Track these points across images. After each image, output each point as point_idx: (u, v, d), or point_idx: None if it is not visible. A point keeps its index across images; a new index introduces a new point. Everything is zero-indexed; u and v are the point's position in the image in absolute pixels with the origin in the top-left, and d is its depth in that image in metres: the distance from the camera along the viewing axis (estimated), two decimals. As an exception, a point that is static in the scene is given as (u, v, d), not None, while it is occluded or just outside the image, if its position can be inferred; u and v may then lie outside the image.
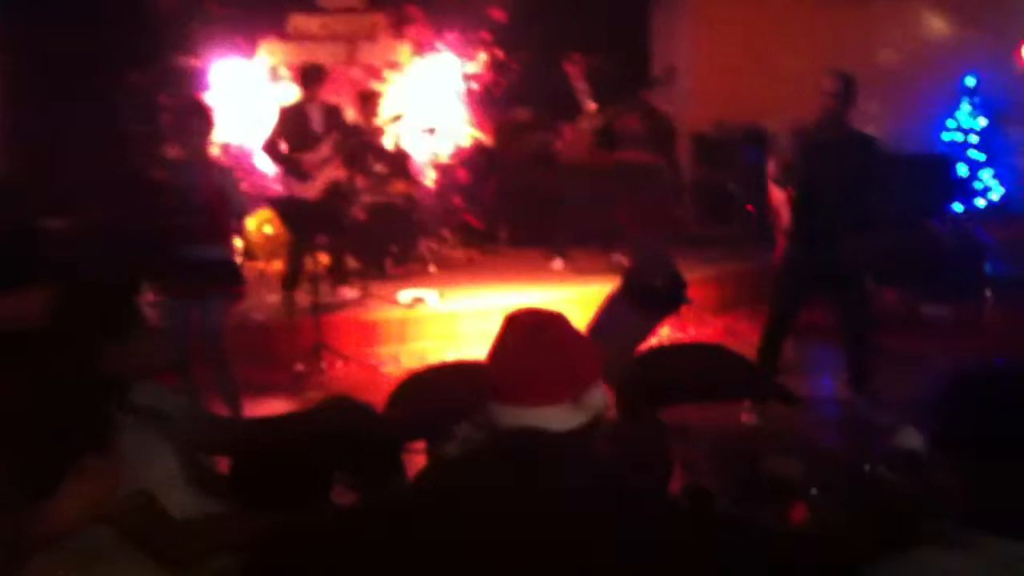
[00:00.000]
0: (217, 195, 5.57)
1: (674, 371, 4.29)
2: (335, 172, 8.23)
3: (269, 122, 8.40)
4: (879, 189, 5.80)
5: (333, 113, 8.37)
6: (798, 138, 5.86)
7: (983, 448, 1.81)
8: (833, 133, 5.74)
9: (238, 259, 7.29)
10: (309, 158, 8.07)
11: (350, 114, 8.98)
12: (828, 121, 5.75)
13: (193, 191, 5.47)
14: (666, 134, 9.36)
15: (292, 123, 8.15)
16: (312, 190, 8.05)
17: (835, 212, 5.68)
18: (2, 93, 9.30)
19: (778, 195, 5.97)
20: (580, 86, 9.08)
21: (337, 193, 8.18)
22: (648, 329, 5.73)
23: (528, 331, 2.11)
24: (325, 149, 8.07)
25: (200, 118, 5.78)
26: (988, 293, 8.31)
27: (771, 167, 6.01)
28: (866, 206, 5.71)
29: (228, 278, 5.68)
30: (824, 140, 5.74)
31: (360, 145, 8.59)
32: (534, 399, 2.03)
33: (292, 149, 8.09)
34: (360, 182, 8.73)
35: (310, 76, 8.25)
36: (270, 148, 8.18)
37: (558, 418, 2.03)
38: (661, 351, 4.86)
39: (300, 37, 10.37)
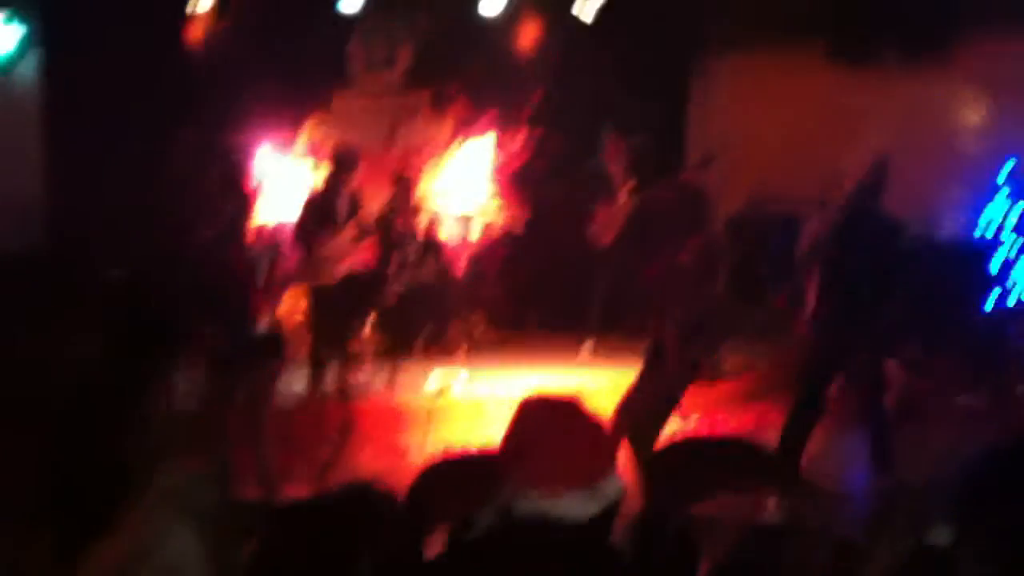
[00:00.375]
0: (249, 272, 5.65)
1: (701, 464, 4.27)
2: (359, 257, 8.31)
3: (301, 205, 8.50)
4: (904, 276, 5.80)
5: (356, 199, 8.42)
6: (827, 221, 5.88)
7: (1009, 527, 1.79)
8: (862, 217, 5.75)
9: (272, 332, 7.33)
10: (333, 244, 8.15)
11: (383, 196, 9.13)
12: (858, 205, 5.77)
13: (226, 267, 5.56)
14: (701, 211, 9.41)
15: (320, 209, 8.24)
16: (338, 275, 8.12)
17: (858, 297, 5.68)
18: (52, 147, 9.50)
19: (811, 276, 5.98)
20: (617, 168, 9.16)
21: (368, 276, 8.25)
22: (674, 393, 5.70)
23: (541, 417, 2.13)
24: (347, 234, 8.15)
25: (238, 196, 5.88)
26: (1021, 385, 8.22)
27: (801, 248, 6.02)
28: (890, 293, 5.71)
29: (263, 352, 5.72)
30: (852, 224, 5.75)
31: (391, 227, 8.70)
32: (548, 486, 2.04)
33: (318, 235, 8.13)
34: (392, 264, 8.81)
35: (342, 163, 8.34)
36: (301, 235, 8.23)
37: (573, 506, 2.04)
38: (688, 443, 4.84)
39: (342, 116, 10.54)
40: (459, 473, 4.01)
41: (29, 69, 9.34)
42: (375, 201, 9.15)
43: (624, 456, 5.05)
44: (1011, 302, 9.25)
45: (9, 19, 8.04)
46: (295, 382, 8.03)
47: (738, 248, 10.46)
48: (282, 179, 9.95)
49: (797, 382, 6.08)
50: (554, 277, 10.23)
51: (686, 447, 4.57)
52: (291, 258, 8.57)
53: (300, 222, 8.24)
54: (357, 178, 8.41)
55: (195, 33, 9.72)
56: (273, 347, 5.86)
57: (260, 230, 9.51)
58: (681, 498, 4.08)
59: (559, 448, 2.07)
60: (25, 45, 8.76)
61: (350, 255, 8.12)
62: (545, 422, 2.12)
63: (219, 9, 9.40)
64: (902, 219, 5.99)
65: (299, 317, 8.83)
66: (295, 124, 10.30)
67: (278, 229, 9.55)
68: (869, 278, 5.70)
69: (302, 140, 10.28)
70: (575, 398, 2.19)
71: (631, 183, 9.09)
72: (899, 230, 5.86)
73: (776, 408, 7.29)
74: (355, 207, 8.32)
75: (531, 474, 2.07)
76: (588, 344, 9.18)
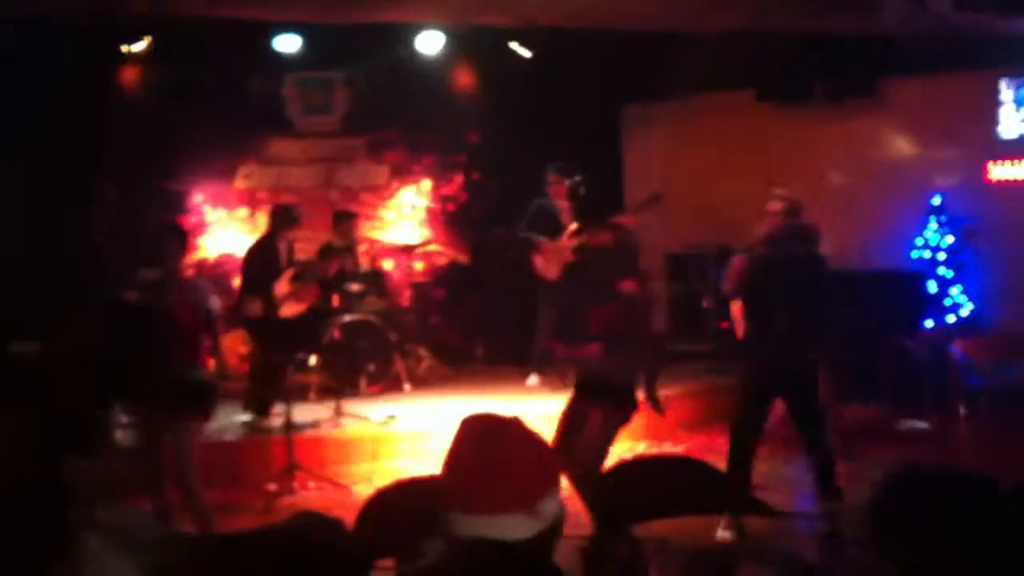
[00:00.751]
0: (191, 315, 5.60)
1: (648, 484, 4.26)
2: (298, 304, 8.34)
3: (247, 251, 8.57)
4: (826, 302, 5.95)
5: (291, 247, 8.53)
6: (748, 254, 6.03)
7: (914, 545, 1.86)
8: (779, 250, 5.91)
9: (211, 379, 7.26)
10: (278, 284, 8.17)
11: (322, 235, 9.15)
12: (774, 238, 5.94)
13: (167, 312, 5.51)
14: (630, 251, 9.49)
15: (261, 259, 8.30)
16: (283, 311, 8.16)
17: (784, 324, 5.83)
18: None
19: (735, 309, 6.15)
20: (562, 204, 9.23)
21: (313, 312, 8.23)
22: (610, 431, 5.75)
23: (481, 437, 2.09)
24: (284, 283, 8.14)
25: (175, 240, 5.85)
26: (963, 406, 8.37)
27: (724, 283, 6.16)
28: (815, 319, 5.87)
29: (198, 400, 5.67)
30: (771, 256, 5.92)
31: (333, 263, 8.65)
32: (488, 507, 2.00)
33: (263, 283, 8.16)
34: (336, 301, 8.77)
35: (280, 218, 8.45)
36: (247, 279, 8.31)
37: (513, 527, 2.00)
38: (635, 464, 4.82)
39: (279, 161, 10.54)
40: (406, 502, 3.97)
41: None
42: (315, 239, 9.14)
43: (564, 475, 5.04)
44: (949, 321, 9.45)
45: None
46: (239, 416, 8.03)
47: (679, 283, 10.61)
48: (219, 220, 9.96)
49: (733, 405, 6.18)
50: (499, 312, 10.24)
51: (635, 466, 4.55)
52: (234, 297, 8.55)
53: (244, 267, 8.29)
54: (296, 231, 8.49)
55: (128, 77, 9.61)
56: (207, 390, 5.79)
57: (200, 264, 9.51)
58: (631, 517, 4.07)
59: (499, 467, 2.05)
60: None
61: (294, 293, 8.14)
62: (485, 441, 2.09)
63: (152, 52, 9.28)
64: (816, 249, 6.10)
65: (243, 351, 8.79)
66: (232, 167, 10.29)
67: (217, 264, 9.56)
68: (788, 305, 5.85)
69: (239, 182, 10.29)
70: (515, 418, 2.17)
71: (574, 220, 9.16)
72: (813, 259, 5.99)
73: (722, 435, 7.39)
74: (290, 255, 8.42)
75: (471, 493, 2.04)
76: (533, 377, 9.18)
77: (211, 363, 6.02)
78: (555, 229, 9.14)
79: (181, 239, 5.98)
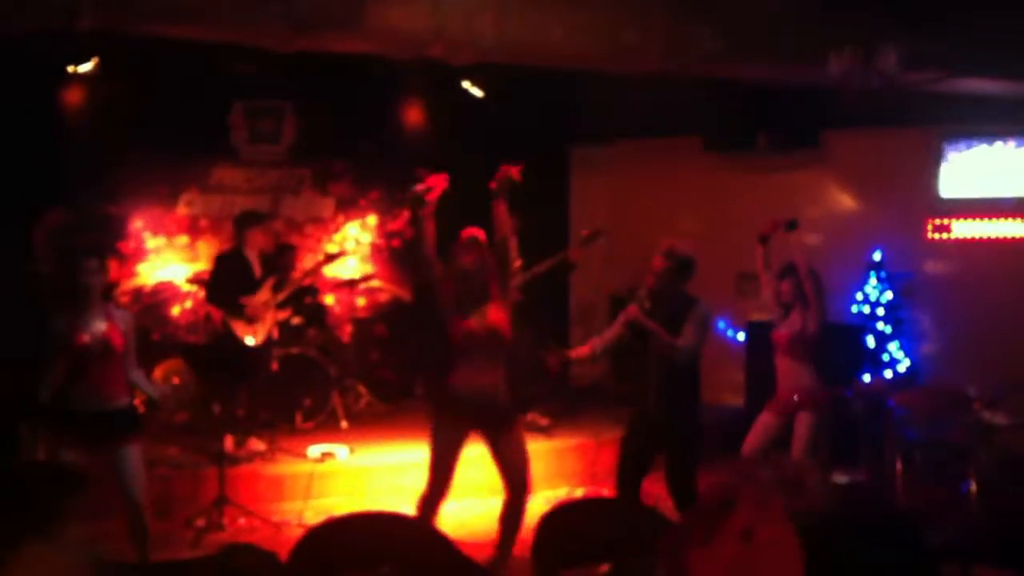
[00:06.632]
0: (118, 339, 5.45)
1: (586, 527, 4.22)
2: (276, 314, 8.23)
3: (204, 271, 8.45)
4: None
5: (267, 258, 8.45)
6: (634, 306, 6.09)
7: None
8: (659, 304, 5.94)
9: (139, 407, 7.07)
10: (252, 302, 8.03)
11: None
12: (655, 293, 5.99)
13: (95, 336, 5.37)
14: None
15: (232, 269, 8.15)
16: (260, 333, 8.09)
17: (660, 375, 5.91)
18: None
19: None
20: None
21: (250, 343, 8.07)
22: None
23: None
24: (264, 292, 8.01)
25: (97, 259, 5.66)
26: (898, 460, 8.41)
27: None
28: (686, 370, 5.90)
29: (131, 425, 5.55)
30: (650, 310, 5.96)
31: (273, 295, 8.50)
32: None
33: (235, 294, 8.03)
34: (275, 333, 8.64)
35: (245, 222, 8.34)
36: (215, 296, 8.11)
37: None
38: (572, 507, 4.79)
39: (223, 189, 10.40)
40: (346, 538, 3.89)
41: None
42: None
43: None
44: (887, 376, 9.52)
45: None
46: (171, 449, 7.84)
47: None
48: (159, 247, 9.79)
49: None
50: (440, 349, 10.13)
51: (573, 510, 4.50)
52: (175, 324, 8.37)
53: (214, 285, 8.17)
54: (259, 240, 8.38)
55: (73, 98, 9.39)
56: (131, 419, 5.66)
57: (137, 292, 9.31)
58: (570, 562, 4.02)
59: None
60: None
61: (266, 313, 8.04)
62: None
63: (99, 74, 9.08)
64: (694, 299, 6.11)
65: (176, 381, 8.59)
66: (174, 193, 10.13)
67: (154, 292, 9.37)
68: (662, 356, 5.89)
69: (180, 209, 10.13)
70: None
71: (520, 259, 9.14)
72: (687, 310, 5.98)
73: (661, 481, 7.36)
74: (267, 266, 8.36)
75: None
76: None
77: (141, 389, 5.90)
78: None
79: (118, 259, 5.85)
